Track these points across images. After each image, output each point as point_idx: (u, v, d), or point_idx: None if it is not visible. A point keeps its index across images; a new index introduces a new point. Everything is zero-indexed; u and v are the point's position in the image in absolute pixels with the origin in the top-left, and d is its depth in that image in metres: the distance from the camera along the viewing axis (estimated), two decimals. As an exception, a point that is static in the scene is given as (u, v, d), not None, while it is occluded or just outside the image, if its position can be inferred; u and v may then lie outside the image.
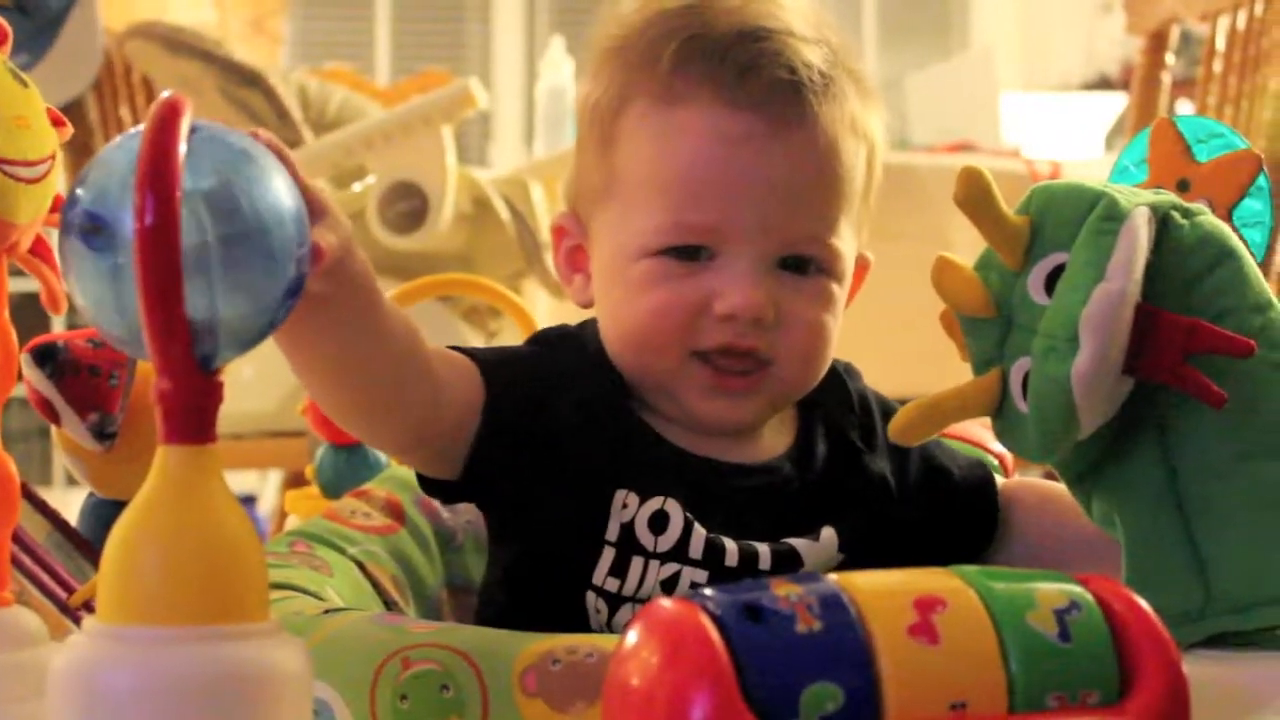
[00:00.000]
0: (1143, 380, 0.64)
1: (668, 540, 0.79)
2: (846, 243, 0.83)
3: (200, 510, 0.53)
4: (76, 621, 0.81)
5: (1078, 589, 0.49)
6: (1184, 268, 0.65)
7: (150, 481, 0.53)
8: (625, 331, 0.82)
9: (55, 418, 0.88)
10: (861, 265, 0.88)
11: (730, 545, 0.80)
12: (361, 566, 0.92)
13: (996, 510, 0.88)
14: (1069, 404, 0.62)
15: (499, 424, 0.79)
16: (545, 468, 0.80)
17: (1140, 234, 0.63)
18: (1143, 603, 0.49)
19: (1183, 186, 0.72)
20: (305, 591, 0.82)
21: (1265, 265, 1.48)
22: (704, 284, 0.80)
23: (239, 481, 3.54)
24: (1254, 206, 0.72)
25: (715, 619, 0.47)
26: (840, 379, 0.88)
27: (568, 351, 0.85)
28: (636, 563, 0.79)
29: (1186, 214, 0.66)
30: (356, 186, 2.23)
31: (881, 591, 0.48)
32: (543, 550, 0.82)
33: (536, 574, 0.82)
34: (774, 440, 0.85)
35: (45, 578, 0.84)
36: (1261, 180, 0.71)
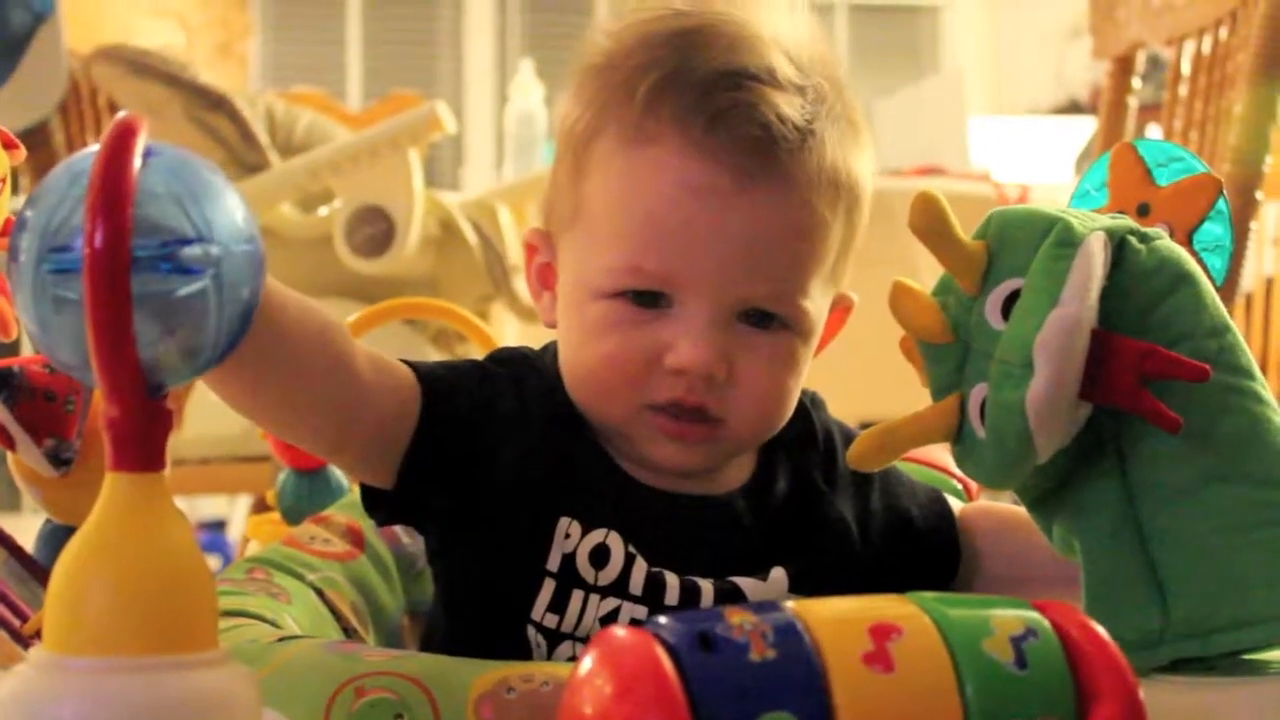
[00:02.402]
0: (1099, 405, 0.64)
1: (608, 574, 0.78)
2: (816, 300, 0.81)
3: (148, 538, 0.52)
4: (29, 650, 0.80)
5: (1034, 615, 0.49)
6: (1140, 292, 0.64)
7: (98, 509, 0.52)
8: (578, 375, 0.81)
9: (10, 443, 0.87)
10: (843, 307, 0.86)
11: (672, 581, 0.78)
12: (320, 594, 0.92)
13: (957, 552, 0.87)
14: (1025, 429, 0.62)
15: (434, 434, 0.77)
16: (486, 487, 0.79)
17: (1095, 259, 0.62)
18: (1100, 629, 0.49)
19: (1143, 210, 0.72)
20: (261, 619, 0.81)
21: (1229, 289, 1.50)
22: (658, 334, 0.78)
23: (209, 507, 3.52)
24: (1214, 231, 0.72)
25: (668, 648, 0.47)
26: (805, 412, 0.86)
27: (522, 370, 0.84)
28: (576, 597, 0.78)
29: (1143, 238, 0.66)
30: (323, 210, 2.22)
31: (836, 619, 0.48)
32: (481, 577, 0.80)
33: (474, 602, 0.81)
34: (732, 473, 0.84)
35: (-1, 606, 0.82)
36: (1221, 204, 0.71)
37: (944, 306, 0.67)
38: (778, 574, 0.80)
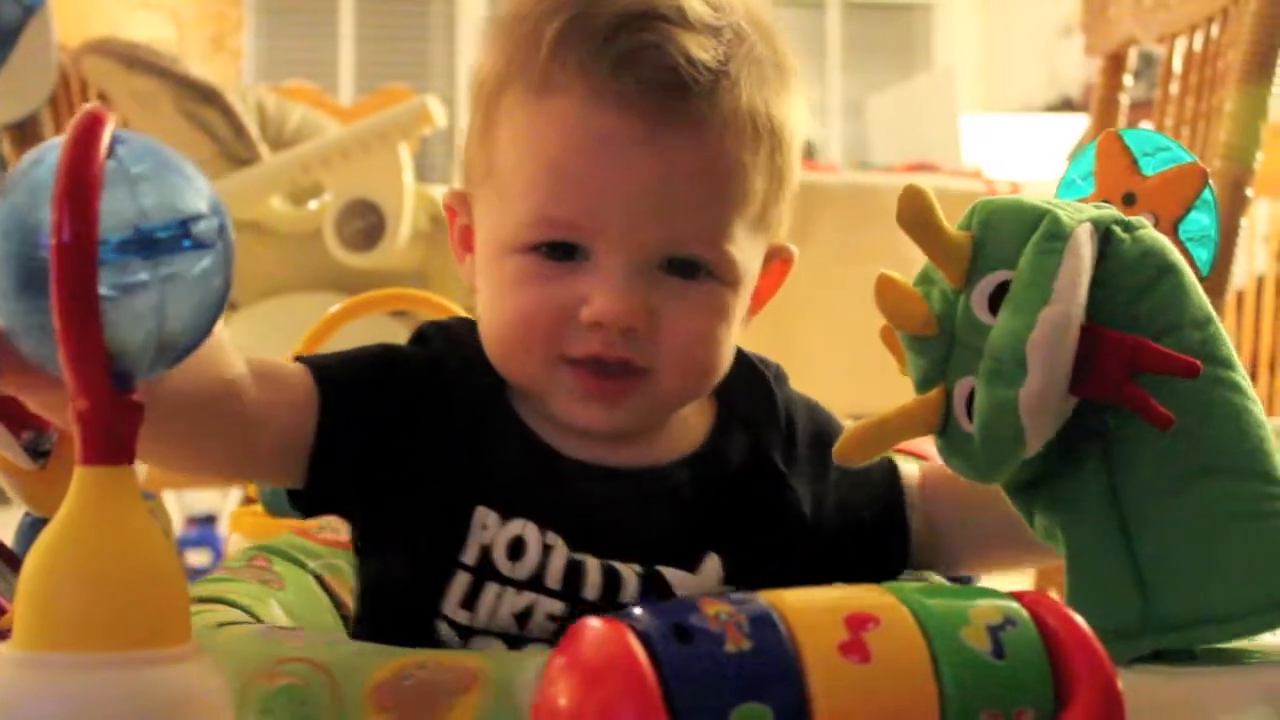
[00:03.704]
0: (1088, 399, 0.63)
1: (525, 568, 0.75)
2: (744, 248, 0.77)
3: (118, 533, 0.52)
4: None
5: (1012, 605, 0.48)
6: (1126, 283, 0.64)
7: (67, 504, 0.52)
8: (493, 332, 0.78)
9: (-13, 435, 0.86)
10: (782, 259, 0.84)
11: (593, 569, 0.75)
12: (321, 580, 0.92)
13: (907, 539, 0.83)
14: (1017, 427, 0.61)
15: (335, 434, 0.75)
16: (397, 479, 0.76)
17: (1084, 252, 0.62)
18: (1078, 618, 0.48)
19: (1128, 200, 0.71)
20: (235, 605, 0.82)
21: (1219, 284, 1.50)
22: (573, 287, 0.75)
23: (199, 501, 3.51)
24: (1201, 221, 0.71)
25: (643, 638, 0.46)
26: (768, 387, 0.83)
27: (445, 346, 0.81)
28: (490, 591, 0.75)
29: (1128, 228, 0.65)
30: (313, 204, 2.22)
31: (812, 609, 0.47)
32: (397, 569, 0.78)
33: (389, 594, 0.79)
34: (678, 439, 0.80)
35: (-24, 599, 0.82)
36: (1207, 194, 0.71)
37: (926, 297, 0.66)
38: (711, 564, 0.77)
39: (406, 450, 0.76)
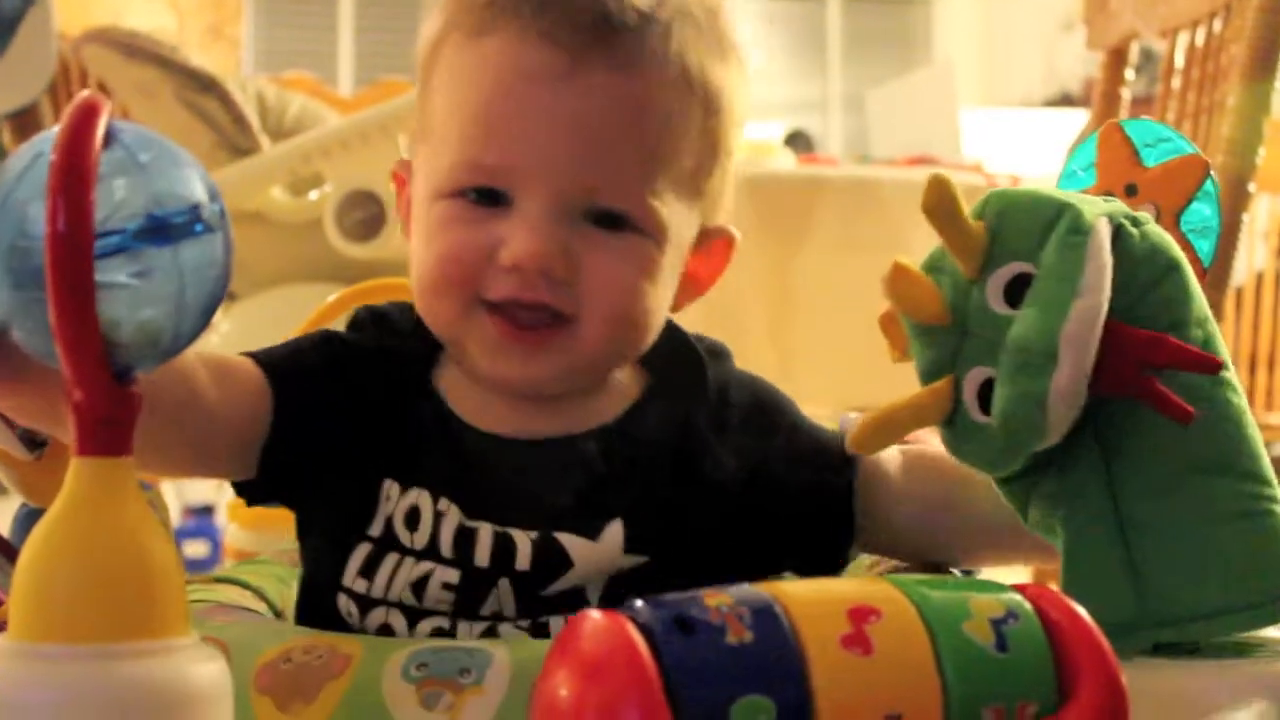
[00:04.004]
0: (1104, 394, 0.63)
1: (421, 537, 0.75)
2: (672, 205, 0.76)
3: (114, 524, 0.51)
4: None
5: (1015, 598, 0.48)
6: (1136, 277, 0.64)
7: (63, 495, 0.52)
8: (418, 276, 0.78)
9: (-16, 425, 0.86)
10: (724, 241, 0.83)
11: (485, 536, 0.75)
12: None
13: (850, 526, 0.81)
14: (1042, 419, 0.61)
15: (289, 426, 0.76)
16: (333, 460, 0.77)
17: (1105, 245, 0.62)
18: (1082, 612, 0.48)
19: (1130, 191, 0.71)
20: (246, 586, 0.85)
21: (1219, 280, 1.49)
22: (495, 231, 0.75)
23: (197, 492, 3.50)
24: (1202, 212, 0.71)
25: (644, 630, 0.46)
26: (698, 359, 0.82)
27: (374, 330, 0.81)
28: (389, 560, 0.75)
29: (1135, 223, 0.65)
30: (313, 194, 2.21)
31: (815, 601, 0.47)
32: (319, 550, 0.78)
33: (310, 574, 0.80)
34: (598, 411, 0.80)
35: (-26, 589, 0.82)
36: (1209, 185, 0.71)
37: (937, 286, 0.66)
38: (613, 531, 0.75)
39: (342, 434, 0.77)
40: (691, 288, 0.83)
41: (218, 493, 3.37)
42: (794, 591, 0.47)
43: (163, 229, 0.53)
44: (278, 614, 0.87)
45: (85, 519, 0.51)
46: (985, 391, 0.64)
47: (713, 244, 0.83)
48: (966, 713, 0.46)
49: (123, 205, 0.52)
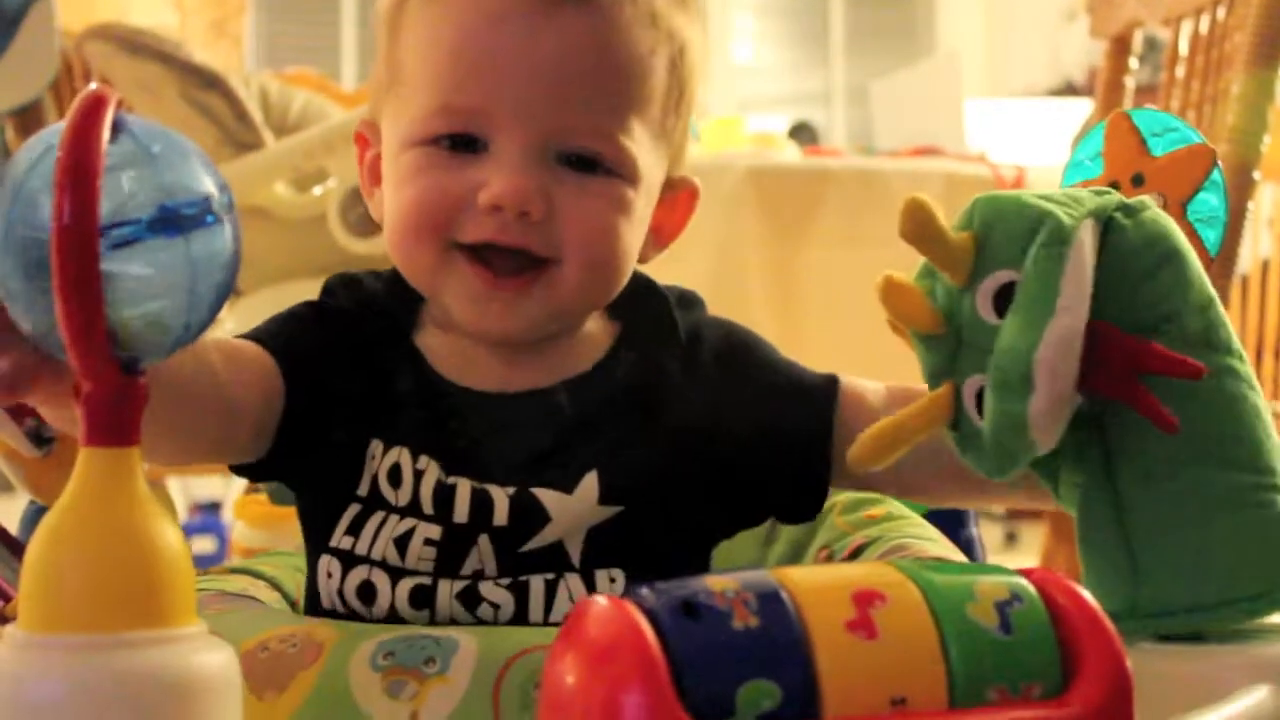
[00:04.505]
0: (1095, 397, 0.63)
1: (404, 494, 0.76)
2: (643, 147, 0.77)
3: (122, 514, 0.52)
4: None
5: (1019, 581, 0.48)
6: (1128, 271, 0.63)
7: (71, 486, 0.52)
8: (391, 226, 0.78)
9: (-9, 423, 0.86)
10: (688, 191, 0.84)
11: (463, 492, 0.75)
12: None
13: (827, 463, 0.80)
14: (1026, 437, 0.61)
15: (299, 404, 0.76)
16: (328, 429, 0.77)
17: (1086, 254, 0.61)
18: (1086, 595, 0.48)
19: (1137, 181, 0.71)
20: (261, 576, 0.86)
21: (1225, 269, 1.49)
22: (472, 175, 0.75)
23: (204, 487, 3.51)
24: (1210, 201, 0.71)
25: (650, 615, 0.46)
26: (665, 306, 0.83)
27: (348, 296, 0.82)
28: (375, 519, 0.76)
29: (1130, 212, 0.64)
30: (317, 190, 2.21)
31: (819, 586, 0.47)
32: (318, 519, 0.79)
33: (309, 548, 0.80)
34: (571, 361, 0.80)
35: (-17, 585, 0.82)
36: (1216, 174, 0.70)
37: (930, 291, 0.66)
38: (588, 483, 0.76)
39: (341, 401, 0.77)
40: (656, 239, 0.83)
41: (225, 489, 3.38)
42: (799, 576, 0.48)
43: (174, 220, 0.53)
44: (292, 604, 0.87)
45: (93, 509, 0.51)
46: (982, 399, 0.64)
47: (678, 195, 0.83)
48: (971, 695, 0.46)
49: (134, 196, 0.52)
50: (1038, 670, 0.47)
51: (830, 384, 0.82)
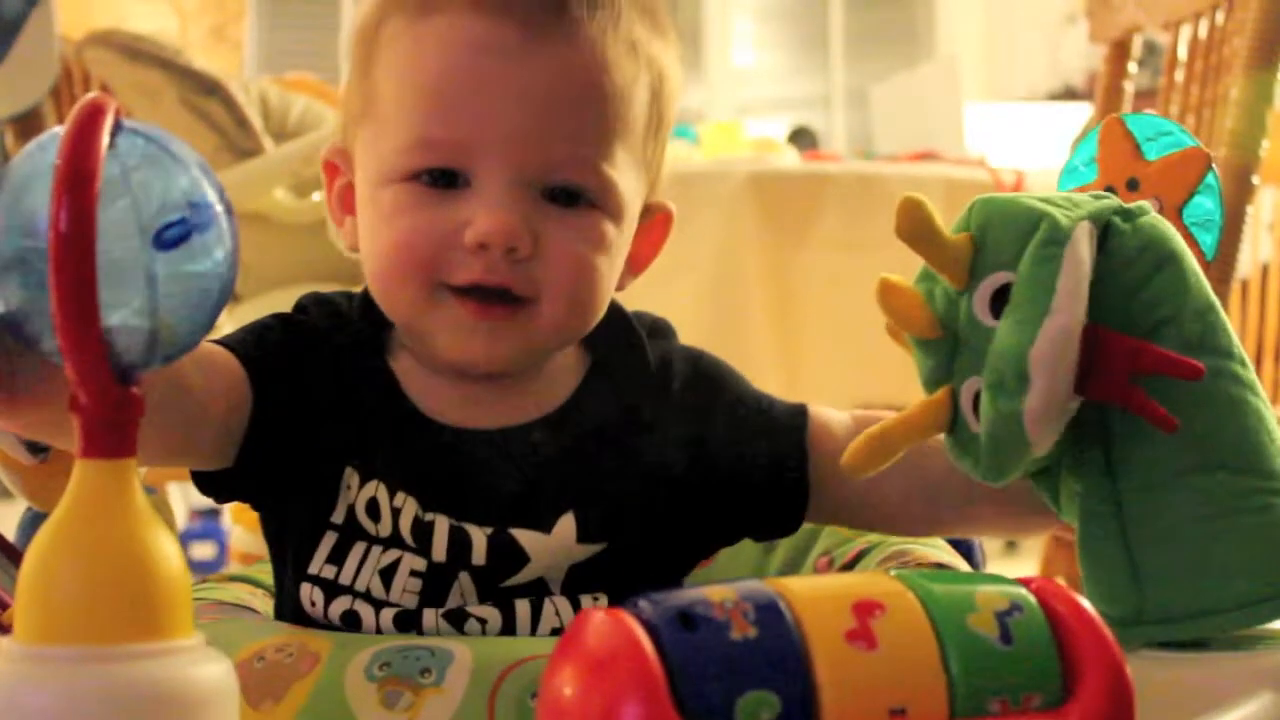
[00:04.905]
0: (1092, 400, 0.63)
1: (384, 527, 0.75)
2: (625, 176, 0.76)
3: (118, 526, 0.51)
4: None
5: (1019, 591, 0.48)
6: (1125, 275, 0.63)
7: (67, 498, 0.51)
8: (374, 266, 0.77)
9: (-13, 430, 0.86)
10: (663, 216, 0.83)
11: (441, 529, 0.74)
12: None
13: (804, 497, 0.80)
14: (1023, 438, 0.61)
15: (266, 415, 0.75)
16: (296, 448, 0.76)
17: (1083, 255, 0.61)
18: (1085, 604, 0.48)
19: (1132, 185, 0.71)
20: (259, 584, 0.86)
21: (1224, 273, 1.49)
22: (455, 213, 0.74)
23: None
24: (1205, 205, 0.71)
25: (648, 626, 0.46)
26: (635, 335, 0.82)
27: (321, 315, 0.80)
28: (357, 549, 0.75)
29: (1128, 217, 0.64)
30: (316, 196, 2.21)
31: (818, 596, 0.47)
32: (284, 541, 0.78)
33: (278, 572, 0.79)
34: (545, 397, 0.80)
35: (-20, 594, 0.82)
36: (1211, 178, 0.70)
37: (928, 295, 0.66)
38: (565, 524, 0.75)
39: (310, 418, 0.77)
40: (632, 266, 0.82)
41: (224, 494, 3.38)
42: (798, 587, 0.47)
43: (170, 229, 0.53)
44: None
45: (89, 521, 0.51)
46: (979, 402, 0.63)
47: (654, 219, 0.82)
48: (972, 705, 0.46)
49: (154, 199, 0.52)
50: (1038, 681, 0.46)
51: (799, 413, 0.83)
